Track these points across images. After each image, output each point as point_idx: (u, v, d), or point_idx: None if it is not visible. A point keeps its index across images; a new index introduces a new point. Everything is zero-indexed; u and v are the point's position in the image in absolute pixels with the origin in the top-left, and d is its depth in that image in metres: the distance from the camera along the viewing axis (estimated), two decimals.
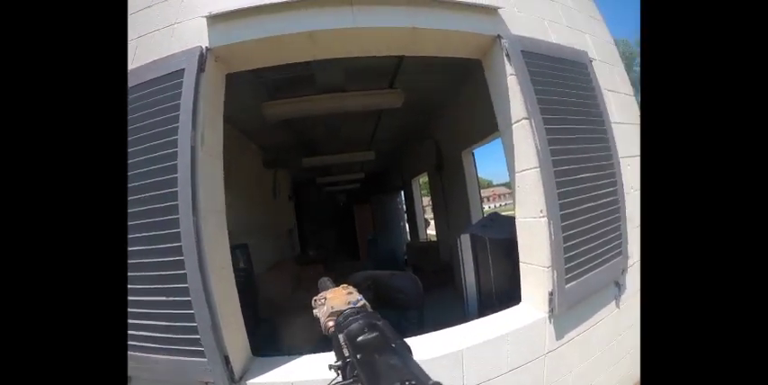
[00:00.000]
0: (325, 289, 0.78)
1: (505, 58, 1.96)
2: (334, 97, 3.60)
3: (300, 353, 1.78)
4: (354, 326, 0.55)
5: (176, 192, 1.59)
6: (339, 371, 0.53)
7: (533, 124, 1.90)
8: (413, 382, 0.38)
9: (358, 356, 0.47)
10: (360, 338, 0.51)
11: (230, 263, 1.83)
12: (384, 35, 1.92)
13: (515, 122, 1.99)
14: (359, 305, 0.65)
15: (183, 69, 1.69)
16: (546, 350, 1.90)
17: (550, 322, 1.91)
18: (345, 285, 0.77)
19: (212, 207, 1.70)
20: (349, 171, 8.88)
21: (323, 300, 0.70)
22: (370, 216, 11.41)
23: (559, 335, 1.95)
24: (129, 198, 1.66)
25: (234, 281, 1.83)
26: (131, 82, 1.76)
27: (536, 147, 1.89)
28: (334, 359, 0.56)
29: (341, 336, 0.55)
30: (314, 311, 0.71)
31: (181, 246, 1.57)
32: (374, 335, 0.51)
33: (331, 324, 0.61)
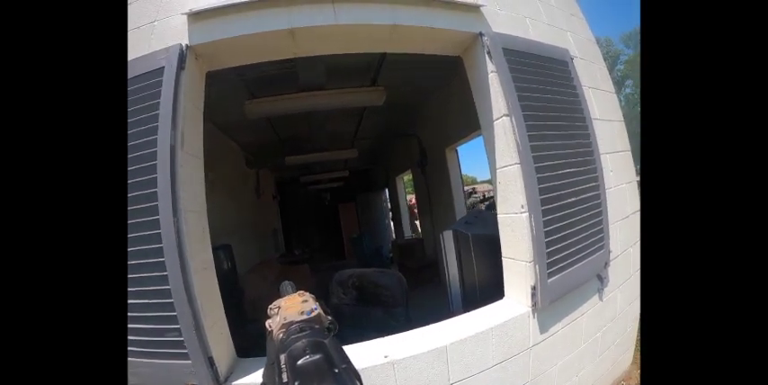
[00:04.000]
0: (285, 294, 0.71)
1: (486, 55, 1.97)
2: (317, 95, 3.58)
3: None
4: (296, 345, 0.49)
5: (156, 192, 1.55)
6: None
7: (514, 121, 1.92)
8: None
9: (296, 384, 0.42)
10: (300, 362, 0.45)
11: (212, 263, 1.79)
12: (365, 32, 1.91)
13: (496, 119, 2.01)
14: (312, 315, 0.58)
15: (163, 67, 1.65)
16: (530, 344, 1.93)
17: (534, 316, 1.94)
18: (302, 292, 0.70)
19: (193, 207, 1.67)
20: (333, 169, 8.83)
21: (276, 310, 0.63)
22: (355, 214, 11.41)
23: (543, 328, 1.98)
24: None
25: (216, 281, 1.80)
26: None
27: (517, 143, 1.91)
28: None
29: (282, 357, 0.48)
30: (267, 322, 0.63)
31: (162, 247, 1.54)
32: (316, 357, 0.45)
33: (282, 337, 0.55)
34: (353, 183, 10.82)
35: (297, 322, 0.56)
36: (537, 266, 1.89)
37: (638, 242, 2.59)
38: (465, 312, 2.08)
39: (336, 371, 0.43)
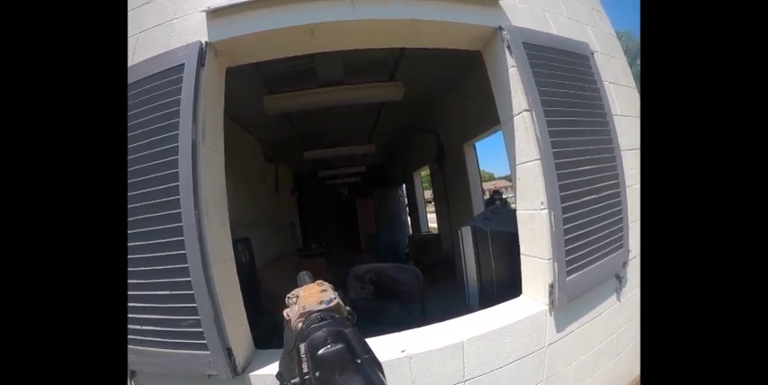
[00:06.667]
0: (302, 284, 0.70)
1: (506, 49, 1.95)
2: (335, 90, 3.59)
3: None
4: (317, 335, 0.47)
5: (177, 186, 1.59)
6: None
7: (534, 116, 1.89)
8: None
9: (317, 374, 0.41)
10: (321, 351, 0.44)
11: (232, 256, 1.83)
12: (384, 27, 1.90)
13: (516, 114, 1.98)
14: (332, 305, 0.57)
15: (183, 64, 1.68)
16: (546, 342, 1.91)
17: (551, 314, 1.92)
18: (321, 281, 0.69)
19: (214, 200, 1.71)
20: (351, 164, 8.87)
21: (295, 299, 0.62)
22: (373, 209, 11.43)
23: (560, 327, 1.95)
24: (132, 193, 1.67)
25: (236, 273, 1.84)
26: (131, 78, 1.75)
27: (537, 138, 1.88)
28: (293, 374, 0.48)
29: (302, 347, 0.47)
30: (285, 311, 0.63)
31: (183, 239, 1.58)
32: (338, 347, 0.44)
33: (301, 326, 0.54)
34: (371, 179, 10.83)
35: (316, 311, 0.55)
36: (555, 264, 1.86)
37: None
38: (482, 309, 2.07)
39: (359, 361, 0.42)
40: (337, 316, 0.55)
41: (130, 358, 1.71)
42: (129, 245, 1.66)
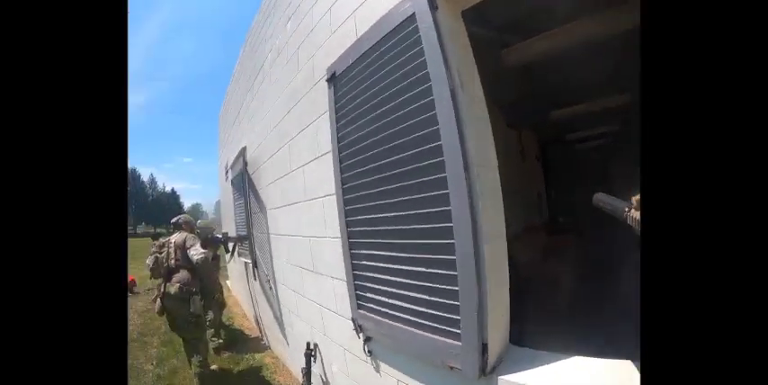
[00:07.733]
0: None
1: None
2: (577, 25, 2.83)
3: (575, 351, 1.31)
4: None
5: (440, 145, 1.32)
6: None
7: None
8: None
9: None
10: None
11: (504, 230, 1.46)
12: None
13: None
14: None
15: (414, 13, 1.41)
16: None
17: None
18: None
19: (483, 161, 1.36)
20: (603, 123, 7.40)
21: None
22: (632, 175, 9.51)
23: None
24: (384, 161, 1.56)
25: (506, 253, 1.46)
26: (364, 47, 1.65)
27: None
28: None
29: None
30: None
31: (450, 209, 1.30)
32: None
33: None
34: (629, 138, 8.91)
35: None
36: None
37: None
38: None
39: None
40: None
41: (367, 325, 1.75)
42: (388, 215, 1.56)
